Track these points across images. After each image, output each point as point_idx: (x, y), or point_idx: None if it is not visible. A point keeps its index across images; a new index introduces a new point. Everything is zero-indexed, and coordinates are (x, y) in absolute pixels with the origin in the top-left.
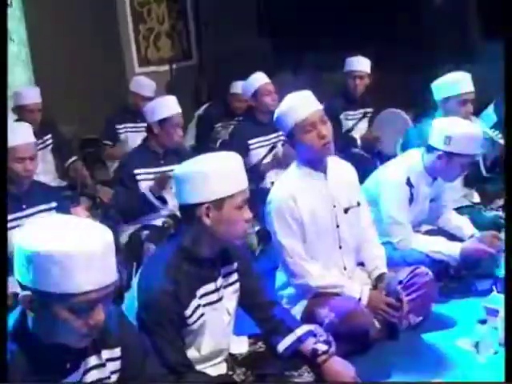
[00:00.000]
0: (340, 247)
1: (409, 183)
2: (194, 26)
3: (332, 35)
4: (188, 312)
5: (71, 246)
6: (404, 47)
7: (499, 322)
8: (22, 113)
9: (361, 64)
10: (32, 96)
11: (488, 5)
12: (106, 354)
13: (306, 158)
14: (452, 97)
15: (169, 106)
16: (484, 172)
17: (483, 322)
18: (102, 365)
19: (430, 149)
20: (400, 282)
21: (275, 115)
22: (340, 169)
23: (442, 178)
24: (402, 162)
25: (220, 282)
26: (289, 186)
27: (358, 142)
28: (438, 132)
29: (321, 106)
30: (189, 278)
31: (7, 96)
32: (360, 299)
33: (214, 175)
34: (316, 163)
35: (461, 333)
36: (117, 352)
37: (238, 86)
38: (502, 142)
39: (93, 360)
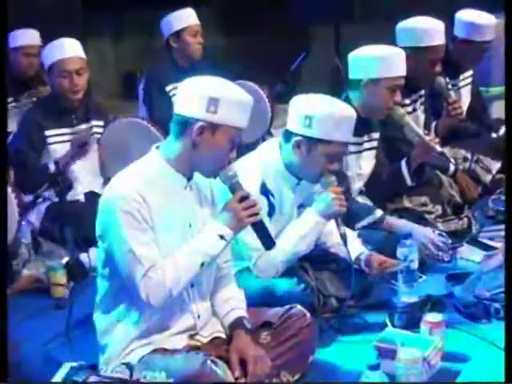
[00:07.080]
0: (192, 285)
1: (265, 191)
2: None
3: None
4: None
5: None
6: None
7: (396, 365)
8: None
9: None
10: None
11: None
12: None
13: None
14: (382, 79)
15: None
16: (409, 181)
17: (374, 367)
18: None
19: (288, 135)
20: (269, 326)
21: None
22: (203, 179)
23: (304, 177)
24: (256, 161)
25: None
26: (137, 179)
27: None
28: (296, 112)
29: None
30: None
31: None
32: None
33: None
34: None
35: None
36: None
37: (26, 35)
38: (438, 148)
39: None
